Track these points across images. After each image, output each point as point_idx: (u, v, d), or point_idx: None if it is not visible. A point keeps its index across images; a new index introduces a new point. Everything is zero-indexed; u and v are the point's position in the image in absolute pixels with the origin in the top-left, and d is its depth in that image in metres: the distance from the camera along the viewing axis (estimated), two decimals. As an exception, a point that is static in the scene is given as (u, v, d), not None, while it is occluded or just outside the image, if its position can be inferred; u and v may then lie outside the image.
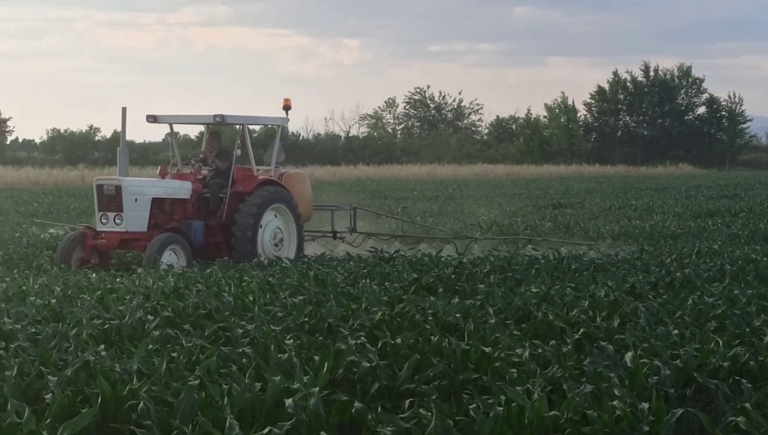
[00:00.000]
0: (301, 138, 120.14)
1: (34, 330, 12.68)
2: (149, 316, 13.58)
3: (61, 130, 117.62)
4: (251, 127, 25.54)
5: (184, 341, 12.03)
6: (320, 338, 12.54)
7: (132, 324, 13.11)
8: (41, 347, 11.67)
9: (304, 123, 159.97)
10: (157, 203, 22.14)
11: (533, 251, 24.34)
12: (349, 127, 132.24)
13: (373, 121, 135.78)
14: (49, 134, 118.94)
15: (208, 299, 14.76)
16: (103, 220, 21.70)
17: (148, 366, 10.57)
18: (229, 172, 22.80)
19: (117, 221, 21.54)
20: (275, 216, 23.18)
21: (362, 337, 12.27)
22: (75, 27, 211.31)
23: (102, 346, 11.63)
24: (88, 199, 41.38)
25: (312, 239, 26.44)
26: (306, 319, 13.66)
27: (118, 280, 17.93)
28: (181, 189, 22.63)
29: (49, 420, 8.76)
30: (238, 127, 24.01)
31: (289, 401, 9.13)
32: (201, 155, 23.94)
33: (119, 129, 24.54)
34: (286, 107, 24.40)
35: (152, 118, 23.61)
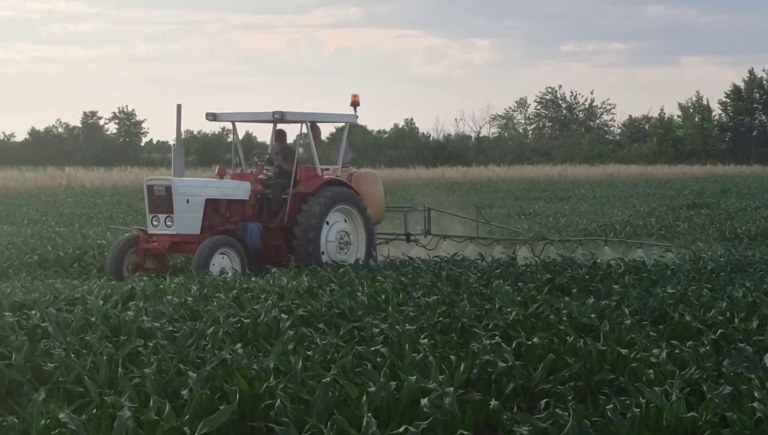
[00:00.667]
0: (431, 138, 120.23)
1: (171, 328, 12.86)
2: (284, 315, 13.67)
3: (194, 132, 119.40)
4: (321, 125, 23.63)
5: (318, 340, 12.10)
6: (454, 338, 12.52)
7: (267, 323, 13.21)
8: (179, 345, 11.84)
9: (434, 123, 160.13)
10: (211, 204, 21.10)
11: (610, 253, 23.43)
12: (480, 128, 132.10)
13: (504, 121, 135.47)
14: (183, 136, 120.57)
15: (341, 299, 14.83)
16: (154, 223, 20.75)
17: (284, 364, 10.65)
18: (292, 173, 21.75)
19: (168, 223, 20.57)
20: (343, 219, 21.98)
21: (496, 337, 12.23)
22: (208, 30, 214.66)
23: (238, 345, 11.74)
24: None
25: (385, 242, 25.39)
26: (440, 318, 13.63)
27: (252, 279, 18.09)
28: (239, 189, 21.56)
29: (188, 416, 8.87)
30: (302, 124, 22.53)
31: (424, 400, 9.13)
32: (266, 155, 23.01)
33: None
34: (354, 103, 22.89)
35: (211, 116, 22.96)
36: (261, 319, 13.29)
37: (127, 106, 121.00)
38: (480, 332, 12.72)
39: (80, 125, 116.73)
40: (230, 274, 18.97)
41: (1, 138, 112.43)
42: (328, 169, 22.60)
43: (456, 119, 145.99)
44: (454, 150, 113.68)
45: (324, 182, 21.78)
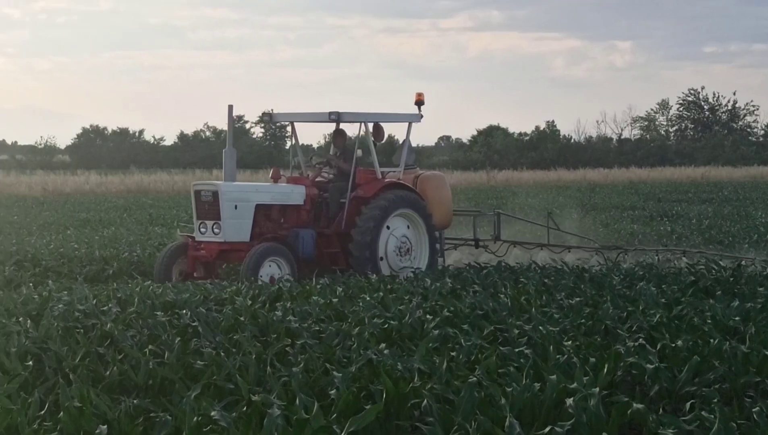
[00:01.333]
0: (572, 141, 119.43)
1: (318, 328, 12.97)
2: (428, 316, 13.70)
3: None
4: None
5: (462, 341, 12.10)
6: (598, 340, 12.43)
7: (412, 324, 13.24)
8: (325, 344, 11.93)
9: (575, 126, 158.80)
10: (262, 210, 19.81)
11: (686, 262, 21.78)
12: (621, 130, 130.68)
13: (646, 123, 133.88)
14: (326, 139, 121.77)
15: (485, 300, 14.82)
16: (202, 229, 19.41)
17: (428, 364, 10.68)
18: (352, 176, 20.32)
19: (215, 230, 19.20)
20: (405, 225, 20.53)
21: (640, 339, 12.12)
22: (352, 34, 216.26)
23: (383, 345, 11.80)
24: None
25: (454, 248, 24.06)
26: (583, 320, 13.54)
27: (396, 280, 18.16)
28: (293, 194, 20.14)
29: (335, 415, 8.94)
30: (360, 125, 20.90)
31: (569, 401, 9.09)
32: (325, 157, 21.75)
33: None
34: (419, 102, 21.16)
35: (267, 117, 21.66)
36: (406, 320, 13.32)
37: (272, 109, 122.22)
38: (624, 334, 12.61)
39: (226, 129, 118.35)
40: (279, 283, 17.57)
41: (152, 141, 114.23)
42: (390, 172, 21.26)
43: (597, 121, 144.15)
44: (595, 152, 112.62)
45: (384, 186, 20.39)
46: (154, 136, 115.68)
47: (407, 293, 16.02)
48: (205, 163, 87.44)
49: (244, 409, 9.06)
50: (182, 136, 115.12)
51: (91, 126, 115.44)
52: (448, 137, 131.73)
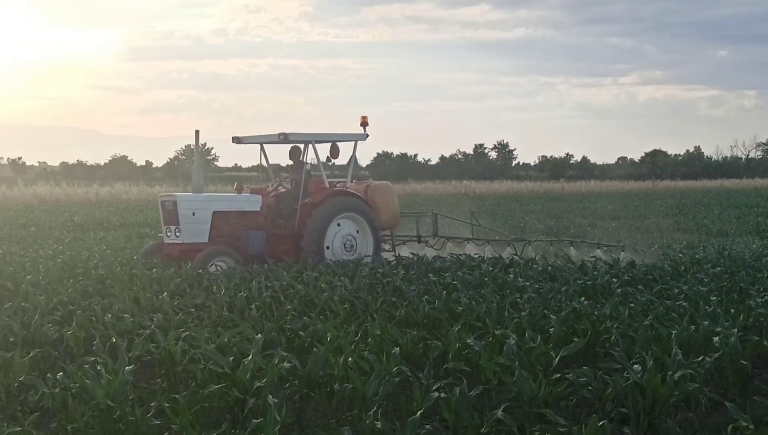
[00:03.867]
0: (713, 160, 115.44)
1: (537, 286, 12.82)
2: (614, 279, 13.36)
3: (547, 156, 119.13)
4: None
5: (638, 296, 11.78)
6: (735, 296, 11.86)
7: (602, 284, 12.90)
8: (543, 297, 11.79)
9: (715, 149, 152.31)
10: (221, 216, 16.86)
11: (574, 253, 18.65)
12: (748, 152, 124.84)
13: (766, 147, 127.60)
14: (540, 159, 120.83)
15: (654, 269, 14.38)
16: (168, 233, 16.75)
17: (615, 312, 10.43)
18: (302, 186, 17.48)
19: (177, 234, 16.55)
20: (350, 224, 17.47)
21: (766, 296, 11.57)
22: (557, 88, 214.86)
23: (583, 298, 11.58)
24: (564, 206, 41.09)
25: (402, 243, 20.39)
26: (723, 283, 12.95)
27: (591, 255, 17.76)
28: (249, 202, 17.29)
29: (551, 344, 8.83)
30: (309, 144, 17.86)
31: (715, 339, 8.73)
32: (285, 172, 18.71)
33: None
34: (364, 124, 17.95)
35: (237, 139, 17.79)
36: (598, 281, 13.06)
37: (503, 140, 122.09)
38: (754, 293, 12.05)
39: (472, 153, 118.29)
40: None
41: (420, 161, 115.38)
42: (339, 182, 18.18)
43: (731, 146, 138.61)
44: (729, 168, 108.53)
45: (330, 193, 17.42)
46: (423, 158, 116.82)
47: (598, 264, 15.70)
48: (457, 176, 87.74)
49: (490, 339, 9.01)
50: (442, 158, 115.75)
51: (382, 151, 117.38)
52: (624, 157, 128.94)
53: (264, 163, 18.37)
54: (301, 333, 9.70)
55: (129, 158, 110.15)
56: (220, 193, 18.05)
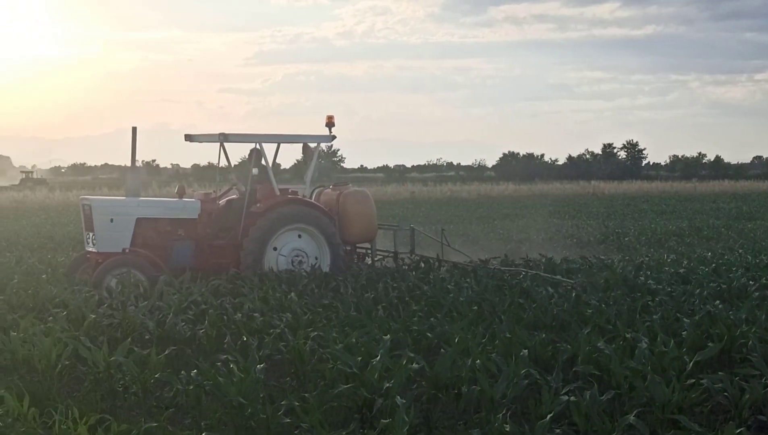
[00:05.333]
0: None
1: (670, 289, 12.52)
2: (751, 282, 12.94)
3: (678, 156, 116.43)
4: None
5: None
6: None
7: (738, 287, 12.55)
8: (676, 300, 11.51)
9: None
10: (147, 223, 14.88)
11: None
12: None
13: None
14: (671, 158, 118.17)
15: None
16: (87, 240, 14.96)
17: (751, 316, 10.11)
18: (248, 192, 15.29)
19: (93, 241, 14.66)
20: (299, 236, 15.15)
21: None
22: (689, 86, 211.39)
23: (717, 301, 11.25)
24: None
25: (382, 259, 16.89)
26: None
27: (724, 256, 17.25)
28: (185, 209, 15.22)
29: (685, 349, 8.60)
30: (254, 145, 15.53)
31: None
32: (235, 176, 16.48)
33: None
34: (329, 124, 15.77)
35: (188, 138, 15.30)
36: (733, 284, 12.67)
37: (633, 139, 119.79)
38: None
39: (600, 153, 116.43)
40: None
41: (548, 162, 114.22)
42: (292, 189, 15.92)
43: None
44: None
45: (277, 202, 15.23)
46: (550, 159, 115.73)
47: (734, 265, 15.23)
48: (585, 176, 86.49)
49: (621, 342, 8.85)
50: (570, 158, 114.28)
51: (509, 151, 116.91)
52: (760, 156, 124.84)
53: (224, 164, 15.99)
54: (428, 334, 9.73)
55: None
56: (150, 198, 15.90)
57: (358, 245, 16.47)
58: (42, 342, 8.90)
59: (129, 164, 15.30)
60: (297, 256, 15.11)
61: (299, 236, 15.18)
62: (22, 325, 10.11)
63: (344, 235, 15.78)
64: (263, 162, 15.69)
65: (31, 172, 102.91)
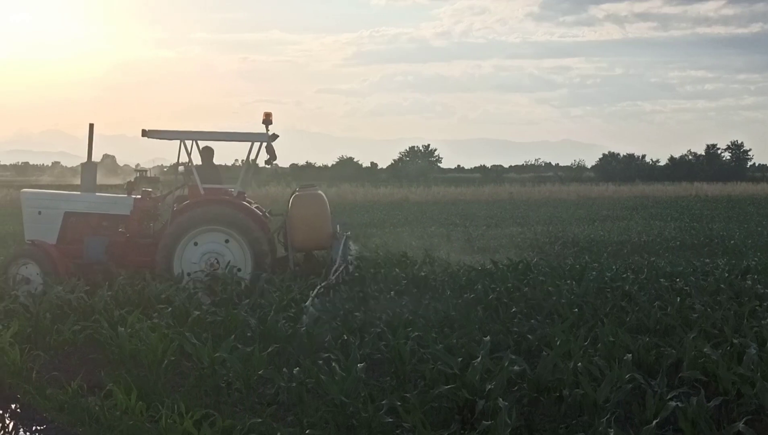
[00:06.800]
0: None
1: None
2: None
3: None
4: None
5: None
6: None
7: None
8: None
9: None
10: (76, 218, 14.96)
11: None
12: None
13: None
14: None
15: None
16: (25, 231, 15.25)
17: None
18: (196, 190, 14.87)
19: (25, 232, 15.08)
20: (219, 240, 14.44)
21: None
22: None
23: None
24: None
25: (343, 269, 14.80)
26: None
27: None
28: (117, 205, 15.09)
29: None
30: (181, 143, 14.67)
31: None
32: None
33: None
34: (266, 121, 14.64)
35: (145, 133, 14.37)
36: None
37: (738, 140, 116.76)
38: None
39: (703, 153, 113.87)
40: (35, 283, 13.88)
41: (649, 162, 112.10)
42: (224, 189, 15.12)
43: None
44: None
45: (195, 202, 14.67)
46: (651, 159, 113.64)
47: None
48: (688, 178, 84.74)
49: (728, 348, 8.65)
50: (672, 159, 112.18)
51: (608, 152, 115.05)
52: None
53: (183, 160, 15.02)
54: (529, 336, 9.66)
55: (355, 160, 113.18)
56: (84, 194, 15.30)
57: (315, 252, 15.39)
58: (149, 337, 9.14)
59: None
60: (211, 258, 14.36)
61: (227, 241, 14.46)
62: (129, 321, 10.37)
63: (291, 241, 14.99)
64: (199, 161, 15.22)
65: (145, 171, 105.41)
